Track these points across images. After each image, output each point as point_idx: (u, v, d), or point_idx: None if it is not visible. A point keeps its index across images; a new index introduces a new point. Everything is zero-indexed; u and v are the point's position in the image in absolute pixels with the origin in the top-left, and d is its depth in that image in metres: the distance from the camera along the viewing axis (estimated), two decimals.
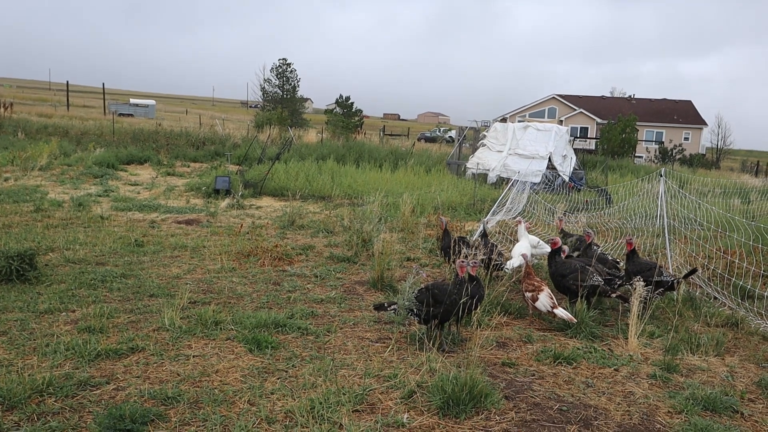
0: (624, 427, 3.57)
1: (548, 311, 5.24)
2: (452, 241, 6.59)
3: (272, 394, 3.71)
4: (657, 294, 5.81)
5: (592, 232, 6.90)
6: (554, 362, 4.50)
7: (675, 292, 6.05)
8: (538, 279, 5.49)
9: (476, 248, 6.14)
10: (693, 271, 6.13)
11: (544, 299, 5.23)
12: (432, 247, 8.18)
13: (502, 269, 6.50)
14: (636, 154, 38.89)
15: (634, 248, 6.18)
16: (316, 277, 6.62)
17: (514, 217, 10.74)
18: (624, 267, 6.26)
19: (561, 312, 5.17)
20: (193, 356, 4.21)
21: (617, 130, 36.03)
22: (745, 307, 6.06)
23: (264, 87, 52.68)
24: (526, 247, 6.68)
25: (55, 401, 3.46)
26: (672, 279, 5.90)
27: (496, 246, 6.74)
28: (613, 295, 5.64)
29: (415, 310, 4.59)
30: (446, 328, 4.78)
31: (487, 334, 5.02)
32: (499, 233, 9.16)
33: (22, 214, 9.18)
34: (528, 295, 5.38)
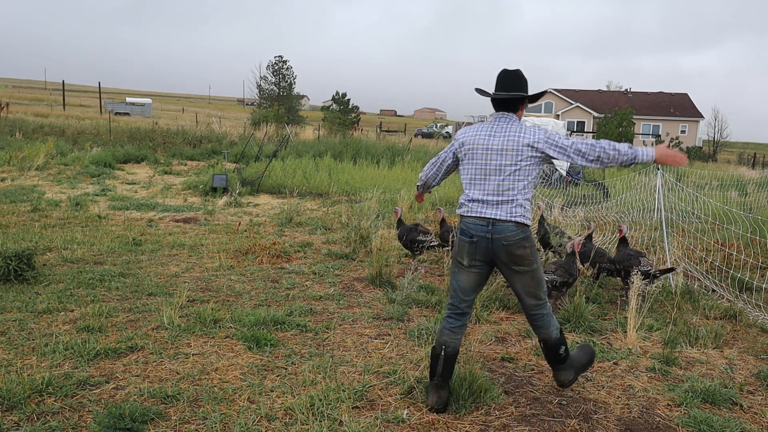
0: (623, 421, 3.58)
1: None
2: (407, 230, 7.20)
3: (272, 391, 3.71)
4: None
5: (592, 224, 7.03)
6: None
7: (655, 284, 6.06)
8: None
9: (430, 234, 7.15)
10: (671, 270, 6.21)
11: None
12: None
13: None
14: None
15: (625, 237, 6.22)
16: (315, 274, 6.61)
17: None
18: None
19: None
20: (193, 354, 4.21)
21: (614, 123, 36.07)
22: (743, 300, 6.07)
23: (260, 84, 52.60)
24: None
25: (54, 401, 3.46)
26: (651, 270, 5.95)
27: None
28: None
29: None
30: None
31: (486, 329, 5.03)
32: None
33: (20, 214, 9.16)
34: None
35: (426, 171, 3.93)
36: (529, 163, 3.41)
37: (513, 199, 3.38)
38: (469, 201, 3.48)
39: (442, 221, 7.49)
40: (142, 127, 28.42)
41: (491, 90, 3.60)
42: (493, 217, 3.37)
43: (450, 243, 6.84)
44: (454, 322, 3.59)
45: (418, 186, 4.15)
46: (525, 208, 3.42)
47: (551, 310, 3.67)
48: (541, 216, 7.33)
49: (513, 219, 3.36)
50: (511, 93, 3.50)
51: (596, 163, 3.42)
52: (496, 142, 3.43)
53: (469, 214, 3.46)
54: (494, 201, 3.40)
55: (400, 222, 7.43)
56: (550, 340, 3.64)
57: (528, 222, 3.44)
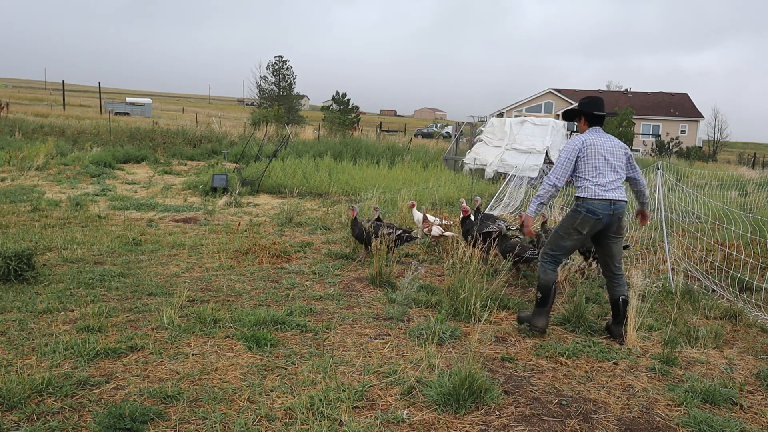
0: (623, 421, 3.58)
1: (439, 234, 7.69)
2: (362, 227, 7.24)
3: (272, 391, 3.71)
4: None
5: (478, 198, 8.21)
6: (553, 356, 4.50)
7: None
8: (429, 222, 7.88)
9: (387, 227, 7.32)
10: (625, 248, 6.50)
11: (435, 229, 7.74)
12: (430, 242, 8.17)
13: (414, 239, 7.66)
14: (633, 148, 38.88)
15: None
16: (315, 274, 6.61)
17: (512, 212, 10.76)
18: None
19: (436, 230, 7.74)
20: (193, 354, 4.21)
21: (614, 123, 36.03)
22: (743, 299, 6.08)
23: (260, 84, 52.62)
24: (418, 214, 8.38)
25: (54, 401, 3.46)
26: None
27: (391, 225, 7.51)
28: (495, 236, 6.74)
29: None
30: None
31: (486, 329, 5.03)
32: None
33: (20, 214, 9.16)
34: (425, 230, 7.78)
35: (558, 176, 4.85)
36: (626, 161, 4.96)
37: (621, 186, 4.86)
38: (596, 186, 4.76)
39: (356, 221, 7.68)
40: (142, 127, 28.43)
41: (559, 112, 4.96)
42: (614, 198, 4.75)
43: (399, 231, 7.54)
44: (555, 267, 4.95)
45: (539, 205, 4.91)
46: (624, 191, 4.90)
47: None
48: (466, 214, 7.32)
49: (624, 199, 4.83)
50: (608, 113, 5.06)
51: (635, 182, 5.11)
52: (607, 145, 4.88)
53: (595, 197, 4.74)
54: (613, 187, 4.77)
55: (354, 221, 7.46)
56: (626, 296, 4.91)
57: (627, 200, 4.90)
